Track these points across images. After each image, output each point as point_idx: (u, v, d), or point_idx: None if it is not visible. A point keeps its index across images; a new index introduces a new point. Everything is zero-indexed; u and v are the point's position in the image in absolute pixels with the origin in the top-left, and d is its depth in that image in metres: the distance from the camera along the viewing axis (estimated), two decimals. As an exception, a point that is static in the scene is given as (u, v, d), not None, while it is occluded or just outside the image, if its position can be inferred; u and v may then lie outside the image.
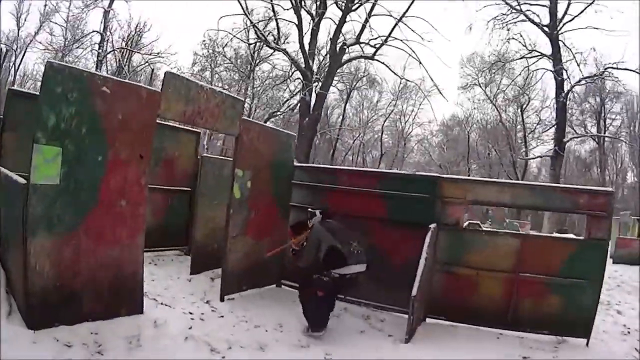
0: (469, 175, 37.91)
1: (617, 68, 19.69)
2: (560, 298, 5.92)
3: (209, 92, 5.61)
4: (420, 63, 21.05)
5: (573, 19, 19.96)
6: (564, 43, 20.57)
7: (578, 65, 19.81)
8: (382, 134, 39.65)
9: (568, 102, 23.93)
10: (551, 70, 20.64)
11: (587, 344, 5.76)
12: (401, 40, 21.16)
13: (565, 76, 19.80)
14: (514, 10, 20.17)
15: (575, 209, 6.22)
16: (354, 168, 9.35)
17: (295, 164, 7.77)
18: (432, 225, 6.07)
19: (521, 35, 20.46)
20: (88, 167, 4.27)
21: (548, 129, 23.81)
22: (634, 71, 19.55)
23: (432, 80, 21.24)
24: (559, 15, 19.95)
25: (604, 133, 27.40)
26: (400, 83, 33.74)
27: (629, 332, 6.53)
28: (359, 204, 6.85)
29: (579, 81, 21.15)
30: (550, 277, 5.91)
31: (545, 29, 20.30)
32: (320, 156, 38.47)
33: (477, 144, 40.14)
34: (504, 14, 20.23)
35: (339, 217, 6.01)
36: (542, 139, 31.73)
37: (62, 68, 4.10)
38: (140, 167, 4.81)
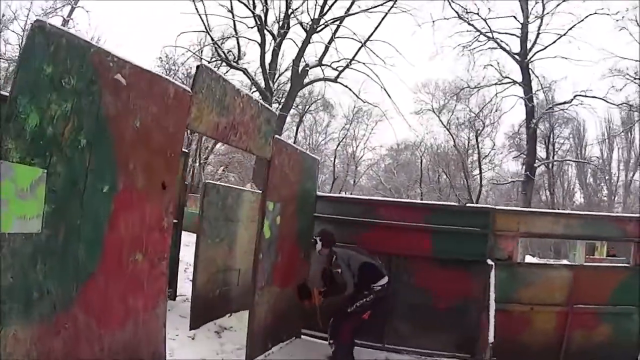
0: (421, 199, 37.61)
1: (585, 96, 19.87)
2: (610, 326, 5.46)
3: (245, 100, 3.91)
4: (382, 87, 20.31)
5: (545, 48, 19.93)
6: (533, 71, 20.53)
7: (544, 93, 20.13)
8: (335, 158, 38.57)
9: (518, 127, 24.33)
10: (522, 97, 20.50)
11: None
12: (364, 64, 20.41)
13: (535, 102, 19.95)
14: (482, 38, 20.04)
15: (624, 237, 5.82)
16: (394, 199, 7.98)
17: (318, 193, 6.29)
18: (489, 262, 5.21)
19: (498, 63, 20.40)
20: (88, 202, 2.46)
21: (520, 155, 23.76)
22: (601, 99, 19.91)
23: (393, 103, 20.55)
24: (529, 44, 20.09)
25: (553, 157, 27.78)
26: (355, 107, 33.08)
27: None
28: (399, 241, 5.66)
29: (549, 109, 21.29)
30: (601, 306, 5.44)
31: (516, 57, 20.22)
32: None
33: (428, 168, 40.01)
34: (474, 41, 20.09)
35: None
36: (494, 163, 31.97)
37: (59, 33, 2.25)
38: (163, 202, 3.02)
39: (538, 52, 20.14)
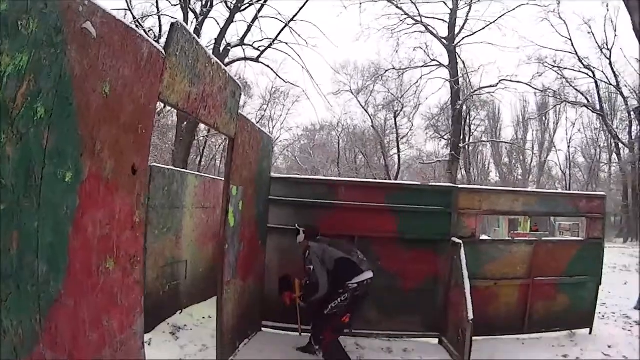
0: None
1: (510, 80, 20.87)
2: (567, 295, 5.72)
3: (215, 69, 3.19)
4: (303, 67, 19.82)
5: (473, 34, 20.51)
6: (459, 55, 21.01)
7: (468, 77, 20.88)
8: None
9: (440, 109, 25.13)
10: (448, 80, 20.98)
11: (590, 332, 5.76)
12: (287, 44, 19.78)
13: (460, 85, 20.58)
14: (410, 22, 20.04)
15: (577, 213, 6.14)
16: (355, 179, 7.57)
17: (273, 174, 5.70)
18: (457, 240, 5.16)
19: (427, 45, 20.73)
20: (47, 196, 1.73)
21: (446, 134, 24.44)
22: (526, 84, 21.19)
23: (315, 84, 20.23)
24: (457, 30, 20.51)
25: (469, 137, 29.08)
26: (273, 88, 32.28)
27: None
28: (362, 222, 5.33)
29: (474, 92, 22.07)
30: (558, 277, 5.65)
31: (444, 41, 20.59)
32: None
33: (345, 149, 40.33)
34: (401, 24, 20.11)
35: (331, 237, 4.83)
36: (411, 143, 32.88)
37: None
38: (134, 192, 2.31)
39: (466, 37, 20.73)
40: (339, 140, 38.96)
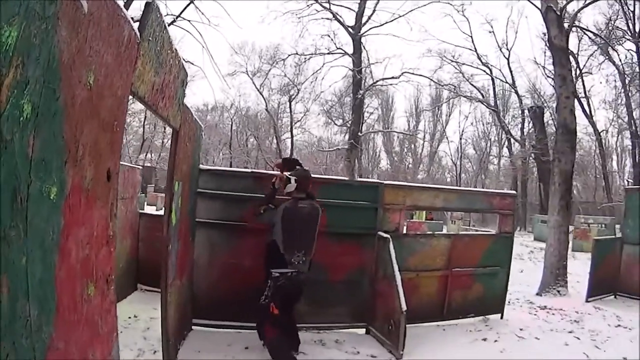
0: (230, 161, 37.10)
1: (412, 73, 21.78)
2: (481, 285, 6.17)
3: (174, 56, 2.83)
4: (204, 47, 19.12)
5: (380, 25, 20.80)
6: (364, 46, 21.26)
7: (370, 67, 21.42)
8: (145, 118, 35.11)
9: (339, 97, 25.63)
10: (351, 69, 21.16)
11: (501, 317, 6.30)
12: (189, 21, 18.80)
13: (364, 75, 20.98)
14: (319, 7, 19.80)
15: (491, 209, 6.51)
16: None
17: (201, 166, 5.28)
18: (385, 235, 5.34)
19: (334, 33, 20.64)
20: (33, 219, 1.33)
21: (342, 122, 24.70)
22: (428, 78, 22.30)
23: (215, 65, 19.50)
24: (364, 19, 20.68)
25: (360, 126, 30.15)
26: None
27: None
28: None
29: (376, 82, 22.55)
30: (473, 268, 6.08)
31: (350, 30, 20.68)
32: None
33: (237, 131, 39.51)
34: (307, 9, 19.76)
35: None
36: (304, 128, 33.18)
37: None
38: (108, 201, 1.94)
39: (373, 28, 21.07)
40: (231, 122, 38.08)
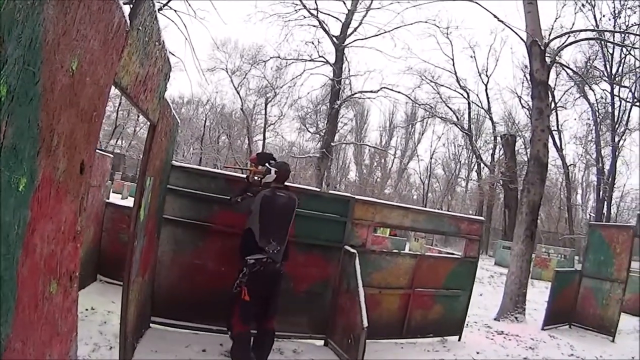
0: (200, 157, 36.56)
1: (391, 89, 21.84)
2: (442, 306, 6.25)
3: (160, 47, 2.73)
4: (187, 38, 18.77)
5: (366, 38, 20.84)
6: (346, 57, 21.27)
7: (349, 79, 21.48)
8: (119, 104, 34.27)
9: (307, 102, 25.71)
10: (330, 79, 21.10)
11: (459, 339, 6.42)
12: (175, 11, 18.47)
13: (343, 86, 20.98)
14: (306, 14, 19.64)
15: (458, 233, 6.55)
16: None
17: (174, 163, 5.12)
18: (351, 249, 5.33)
19: (318, 41, 20.50)
20: (1, 201, 1.27)
21: (316, 130, 24.63)
22: (406, 95, 22.55)
23: (196, 59, 19.16)
24: (350, 31, 20.69)
25: (334, 136, 30.24)
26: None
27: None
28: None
29: (354, 94, 22.57)
30: (436, 289, 6.15)
31: (334, 39, 20.68)
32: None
33: (210, 128, 39.00)
34: (294, 13, 19.66)
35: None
36: (277, 131, 32.97)
37: None
38: (79, 195, 1.82)
39: (357, 40, 21.15)
40: (205, 118, 37.62)
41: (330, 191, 6.56)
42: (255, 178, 4.58)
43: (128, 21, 2.00)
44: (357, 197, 5.88)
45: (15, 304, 1.37)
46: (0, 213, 1.25)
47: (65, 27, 1.45)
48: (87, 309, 4.89)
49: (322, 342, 5.49)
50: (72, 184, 1.75)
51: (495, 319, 8.43)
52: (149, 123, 3.48)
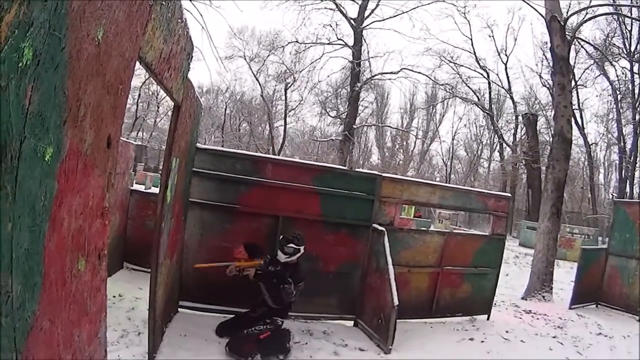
0: (222, 145, 36.77)
1: (411, 70, 21.42)
2: (470, 284, 6.10)
3: (183, 25, 2.65)
4: (203, 28, 18.72)
5: (384, 20, 20.23)
6: (364, 39, 20.78)
7: (369, 61, 21.18)
8: (139, 96, 34.57)
9: (327, 86, 25.40)
10: (350, 61, 20.84)
11: (487, 318, 6.29)
12: (190, 1, 18.43)
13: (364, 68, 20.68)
14: None
15: (485, 210, 6.39)
16: (283, 158, 7.12)
17: (198, 145, 5.09)
18: (380, 227, 5.24)
19: (337, 24, 20.23)
20: (23, 181, 1.16)
21: (338, 113, 24.43)
22: (426, 75, 22.17)
23: (214, 48, 19.06)
24: (367, 12, 20.29)
25: (355, 118, 29.99)
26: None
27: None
28: (287, 202, 5.16)
29: (374, 76, 22.28)
30: (464, 267, 6.00)
31: (352, 22, 20.32)
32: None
33: (231, 115, 39.06)
34: None
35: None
36: (298, 116, 32.84)
37: None
38: (106, 170, 1.76)
39: (375, 22, 20.65)
40: (226, 106, 37.64)
41: (357, 169, 6.43)
42: (244, 272, 4.32)
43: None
44: (384, 174, 5.75)
45: (42, 280, 1.32)
46: (25, 183, 1.18)
47: (83, 8, 1.37)
48: (114, 296, 4.91)
49: (351, 323, 5.42)
50: (99, 158, 1.69)
51: (522, 298, 8.28)
52: (172, 104, 3.41)
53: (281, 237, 4.43)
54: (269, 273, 4.21)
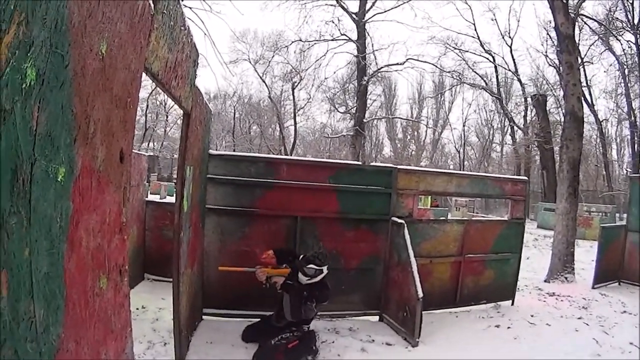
0: (234, 149, 36.88)
1: (417, 59, 21.36)
2: (492, 271, 6.01)
3: (186, 33, 2.61)
4: (206, 34, 18.79)
5: (385, 11, 20.31)
6: (367, 32, 20.83)
7: (374, 53, 21.09)
8: (147, 107, 34.78)
9: (337, 84, 25.29)
10: (355, 55, 20.78)
11: (512, 304, 6.18)
12: (190, 8, 18.49)
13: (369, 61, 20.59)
14: None
15: (503, 195, 6.24)
16: (297, 158, 7.08)
17: (211, 152, 5.06)
18: (399, 220, 5.15)
19: (339, 20, 20.19)
20: (38, 204, 1.13)
21: (347, 109, 24.36)
22: (432, 64, 21.99)
23: (217, 51, 19.14)
24: (368, 6, 20.21)
25: (365, 112, 29.86)
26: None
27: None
28: (304, 202, 5.07)
29: (380, 68, 22.22)
30: (486, 254, 5.89)
31: (354, 16, 20.29)
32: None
33: (240, 119, 39.16)
34: None
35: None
36: (307, 115, 32.82)
37: None
38: (121, 185, 1.73)
39: (377, 14, 20.58)
40: (234, 110, 37.73)
41: (372, 163, 6.34)
42: (272, 281, 4.11)
43: (152, 4, 1.87)
44: (399, 166, 5.65)
45: (65, 302, 1.28)
46: (40, 206, 1.15)
47: (90, 9, 1.34)
48: (137, 308, 4.89)
49: (377, 318, 5.34)
50: (113, 174, 1.65)
51: (545, 281, 8.12)
52: (181, 112, 3.37)
53: (301, 257, 4.21)
54: (298, 287, 4.03)
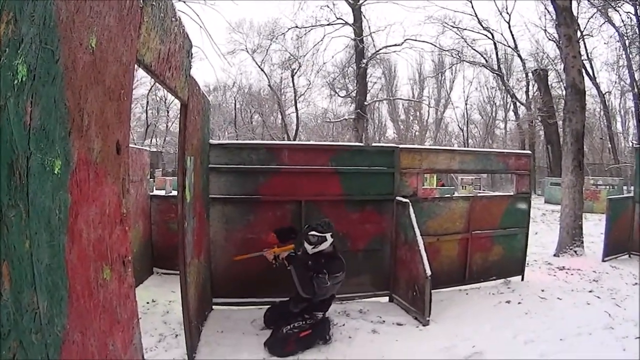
0: (236, 139, 36.85)
1: (415, 40, 21.18)
2: (501, 246, 6.02)
3: (178, 24, 2.61)
4: (201, 26, 18.71)
5: None
6: (364, 15, 20.63)
7: (371, 36, 20.88)
8: (147, 103, 34.78)
9: (333, 67, 25.13)
10: (352, 39, 20.62)
11: (522, 279, 6.20)
12: (183, 2, 18.34)
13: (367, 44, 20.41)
14: None
15: (507, 170, 6.24)
16: (297, 142, 7.09)
17: (212, 141, 5.07)
18: (404, 199, 5.16)
19: (334, 4, 19.98)
20: (35, 197, 1.15)
21: (347, 92, 24.23)
22: (431, 43, 21.73)
23: (213, 43, 18.98)
24: None
25: (366, 95, 29.67)
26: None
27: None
28: (308, 186, 5.09)
29: (379, 50, 22.05)
30: (493, 230, 5.90)
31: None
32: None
33: (241, 109, 39.08)
34: None
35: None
36: (308, 101, 32.71)
37: None
38: (119, 176, 1.75)
39: None
40: (235, 101, 37.61)
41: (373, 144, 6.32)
42: (280, 258, 4.16)
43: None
44: (401, 145, 5.61)
45: (68, 293, 1.31)
46: (38, 199, 1.17)
47: (77, 5, 1.35)
48: (147, 302, 4.96)
49: (387, 299, 5.38)
50: (110, 165, 1.67)
51: (554, 255, 8.12)
52: (179, 103, 3.38)
53: (306, 226, 4.26)
54: (301, 257, 4.06)
